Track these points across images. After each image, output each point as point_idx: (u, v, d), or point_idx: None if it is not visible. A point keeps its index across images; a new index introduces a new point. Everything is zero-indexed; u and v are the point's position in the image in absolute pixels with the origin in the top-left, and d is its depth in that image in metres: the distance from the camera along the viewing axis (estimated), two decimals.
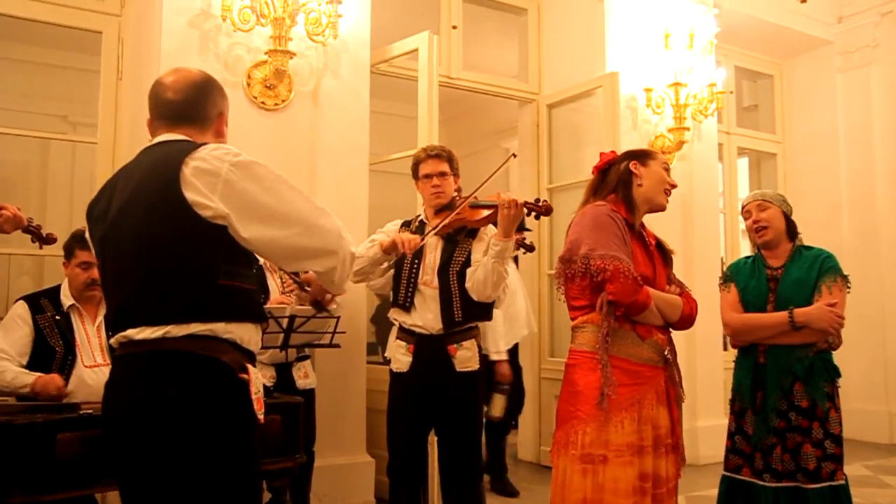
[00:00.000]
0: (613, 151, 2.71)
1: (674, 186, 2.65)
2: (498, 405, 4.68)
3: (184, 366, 1.77)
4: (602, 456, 2.31)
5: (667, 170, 2.66)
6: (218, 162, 1.81)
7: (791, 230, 3.15)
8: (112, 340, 1.88)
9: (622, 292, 2.35)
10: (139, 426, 1.76)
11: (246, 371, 1.84)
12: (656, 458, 2.40)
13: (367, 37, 4.71)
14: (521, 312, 4.88)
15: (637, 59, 5.82)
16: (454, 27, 5.71)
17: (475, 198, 3.31)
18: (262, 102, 4.31)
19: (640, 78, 5.78)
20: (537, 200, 3.22)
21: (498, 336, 4.64)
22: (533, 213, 3.21)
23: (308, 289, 2.14)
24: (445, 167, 3.41)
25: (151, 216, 1.82)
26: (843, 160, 7.33)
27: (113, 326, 1.87)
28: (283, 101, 4.37)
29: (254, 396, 1.84)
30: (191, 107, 2.00)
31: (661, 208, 2.63)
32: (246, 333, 1.87)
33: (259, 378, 1.90)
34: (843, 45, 7.35)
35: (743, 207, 3.24)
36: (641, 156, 2.64)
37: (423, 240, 3.25)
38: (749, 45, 7.33)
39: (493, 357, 4.61)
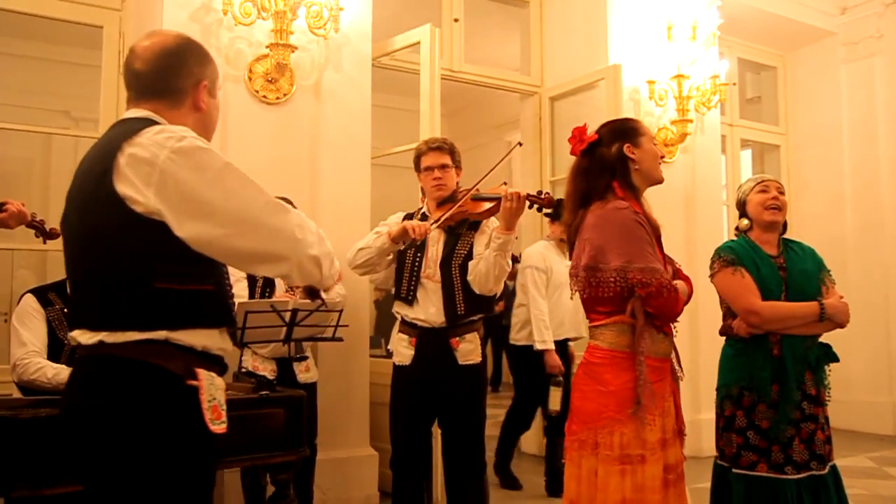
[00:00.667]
0: (584, 126, 2.52)
1: (663, 157, 2.55)
2: (554, 398, 4.60)
3: (117, 372, 1.62)
4: (640, 456, 2.29)
5: (653, 139, 2.56)
6: (157, 148, 1.59)
7: (784, 225, 3.15)
8: (69, 336, 1.77)
9: (665, 307, 2.32)
10: (73, 433, 1.66)
11: (196, 377, 1.65)
12: (673, 446, 2.41)
13: (368, 30, 4.71)
14: (567, 312, 4.80)
15: (639, 51, 5.80)
16: (456, 20, 5.70)
17: (477, 190, 3.30)
18: (264, 96, 4.31)
19: (643, 70, 5.76)
20: (539, 193, 3.21)
21: (542, 326, 4.62)
22: (535, 206, 3.20)
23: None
24: (447, 159, 3.40)
25: (86, 210, 1.67)
26: (847, 152, 7.31)
27: (69, 322, 1.78)
28: (285, 94, 4.37)
29: (206, 404, 1.65)
30: (159, 78, 1.77)
31: (660, 181, 2.54)
32: (200, 339, 1.69)
33: (216, 384, 1.71)
34: (847, 35, 7.32)
35: (762, 181, 3.11)
36: (631, 134, 2.49)
37: (432, 226, 3.23)
38: (752, 36, 7.30)
39: (538, 347, 4.61)
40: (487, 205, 3.25)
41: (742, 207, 3.17)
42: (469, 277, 3.27)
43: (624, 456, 2.29)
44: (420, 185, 3.61)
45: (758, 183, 3.13)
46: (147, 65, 1.77)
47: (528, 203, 3.17)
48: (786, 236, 3.16)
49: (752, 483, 2.91)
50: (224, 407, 1.72)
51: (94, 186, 1.63)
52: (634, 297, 2.32)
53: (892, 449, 6.21)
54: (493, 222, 3.34)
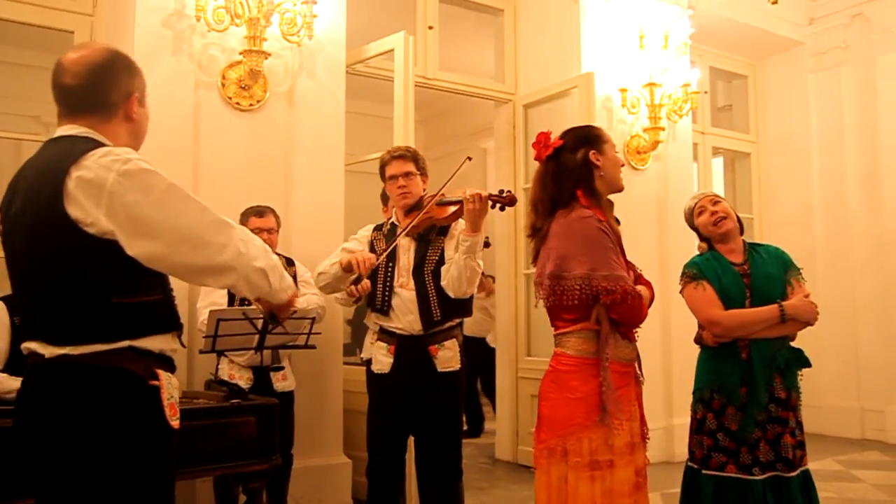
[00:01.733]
0: (548, 132, 2.54)
1: (623, 165, 2.59)
2: None
3: (83, 378, 1.71)
4: (609, 461, 2.31)
5: (615, 147, 2.60)
6: (104, 171, 1.66)
7: (740, 224, 3.21)
8: (22, 347, 1.82)
9: (630, 314, 2.34)
10: (34, 441, 1.72)
11: (156, 377, 1.78)
12: (640, 450, 2.43)
13: (342, 37, 4.71)
14: None
15: (612, 59, 5.86)
16: (430, 27, 5.71)
17: (442, 195, 3.31)
18: (237, 103, 4.29)
19: (616, 78, 5.82)
20: (501, 191, 3.21)
21: None
22: (498, 205, 3.21)
23: (257, 301, 2.00)
24: (411, 167, 3.40)
25: (38, 231, 1.73)
26: (815, 160, 7.42)
27: (22, 332, 1.81)
28: (259, 101, 4.35)
29: (166, 402, 1.78)
30: (90, 94, 1.81)
31: (621, 189, 2.56)
32: (158, 344, 1.81)
33: (173, 383, 1.84)
34: (815, 46, 7.45)
35: (693, 208, 3.23)
36: (596, 141, 2.51)
37: (378, 259, 3.24)
38: (723, 45, 7.40)
39: None
40: (452, 208, 3.26)
41: (696, 231, 3.28)
42: (443, 283, 3.27)
43: (593, 462, 2.30)
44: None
45: (693, 206, 3.24)
46: (78, 79, 1.80)
47: (490, 202, 3.18)
48: (752, 241, 3.23)
49: (722, 484, 2.97)
50: (178, 404, 1.84)
51: (45, 210, 1.69)
52: (599, 304, 2.34)
53: (860, 452, 6.30)
54: (461, 225, 3.34)
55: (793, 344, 3.09)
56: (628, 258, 2.57)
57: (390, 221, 3.49)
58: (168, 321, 1.87)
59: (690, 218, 3.27)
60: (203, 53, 4.23)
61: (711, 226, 3.16)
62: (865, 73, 7.09)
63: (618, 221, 2.58)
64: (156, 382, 1.77)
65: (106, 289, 1.72)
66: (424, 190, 3.46)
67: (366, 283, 3.22)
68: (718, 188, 7.94)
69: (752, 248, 3.18)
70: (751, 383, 2.95)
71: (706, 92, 7.28)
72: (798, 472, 2.95)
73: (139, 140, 1.95)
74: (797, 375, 3.04)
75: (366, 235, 3.52)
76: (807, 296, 3.03)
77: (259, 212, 3.89)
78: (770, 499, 2.90)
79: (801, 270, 3.15)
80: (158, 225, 1.68)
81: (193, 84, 4.18)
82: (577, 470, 2.31)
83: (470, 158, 3.51)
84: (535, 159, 2.56)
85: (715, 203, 3.18)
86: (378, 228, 3.52)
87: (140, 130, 1.95)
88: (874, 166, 6.96)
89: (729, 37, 7.20)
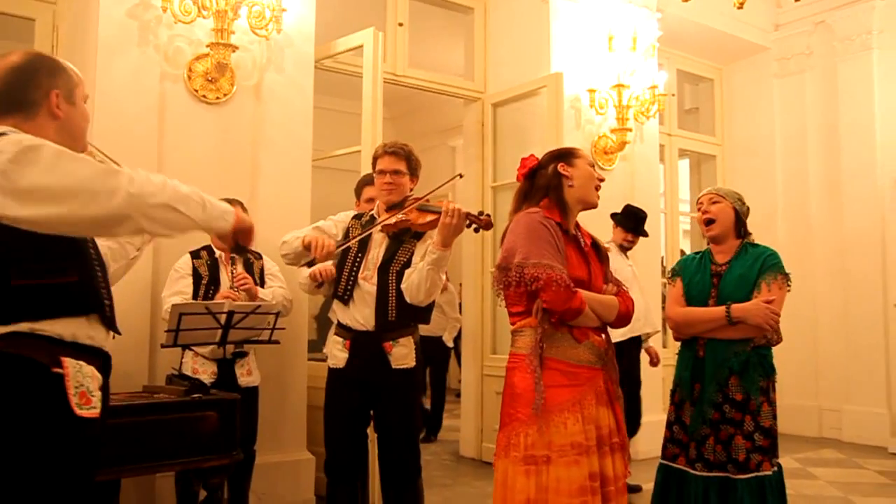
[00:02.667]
0: (533, 155, 2.69)
1: (602, 180, 2.66)
2: None
3: None
4: (545, 457, 2.33)
5: (593, 165, 2.67)
6: None
7: (739, 228, 3.20)
8: None
9: (555, 301, 2.38)
10: None
11: (60, 365, 1.78)
12: (602, 457, 2.42)
13: (311, 32, 4.68)
14: (639, 309, 4.83)
15: (581, 60, 5.90)
16: (400, 24, 5.71)
17: (427, 200, 3.31)
18: (204, 96, 4.25)
19: (584, 79, 5.86)
20: (480, 213, 3.18)
21: None
22: (473, 226, 3.17)
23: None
24: (402, 166, 3.37)
25: None
26: (779, 163, 7.56)
27: None
28: (226, 94, 4.31)
29: (72, 391, 1.79)
30: (9, 93, 1.89)
31: (594, 205, 2.64)
32: (66, 329, 1.82)
33: (84, 371, 1.83)
34: (780, 51, 7.58)
35: (699, 199, 3.30)
36: (567, 156, 2.63)
37: (338, 247, 3.23)
38: (690, 49, 7.49)
39: None
40: (430, 217, 3.23)
41: None
42: (403, 286, 3.26)
43: (528, 457, 2.35)
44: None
45: (697, 201, 3.31)
46: None
47: (467, 221, 3.14)
48: (755, 243, 3.23)
49: (668, 473, 3.08)
50: (95, 393, 1.84)
51: None
52: (538, 299, 2.41)
53: (816, 450, 6.44)
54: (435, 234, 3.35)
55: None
56: (611, 272, 2.72)
57: (370, 213, 3.47)
58: (79, 304, 1.87)
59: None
60: (169, 45, 4.18)
61: (702, 225, 3.23)
62: (828, 80, 7.23)
63: (605, 248, 2.75)
64: (59, 370, 1.77)
65: (5, 272, 1.76)
66: (411, 190, 3.45)
67: (330, 269, 3.21)
68: (684, 190, 8.05)
69: (744, 249, 3.17)
70: (702, 381, 3.02)
71: (673, 94, 7.37)
72: (750, 475, 2.94)
73: (76, 138, 1.99)
74: (760, 380, 3.01)
75: (344, 221, 3.48)
76: (770, 301, 3.00)
77: (227, 203, 3.84)
78: (713, 498, 2.94)
79: (788, 275, 3.12)
80: (50, 189, 1.68)
81: (159, 76, 4.13)
82: (515, 464, 2.37)
83: (461, 175, 3.57)
84: (517, 180, 2.71)
85: (713, 202, 3.19)
86: (358, 217, 3.50)
87: (72, 128, 1.99)
88: (836, 171, 7.10)
89: (696, 40, 7.29)
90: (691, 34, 7.10)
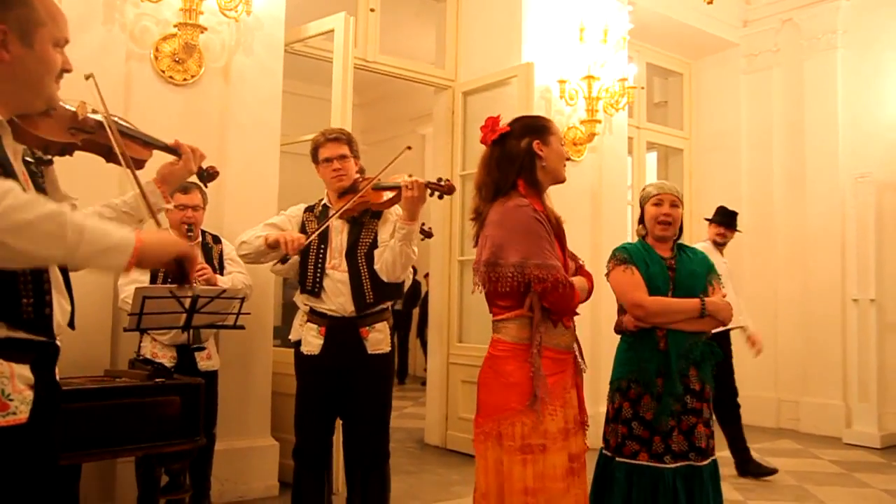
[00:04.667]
0: (499, 117, 2.55)
1: (569, 158, 2.66)
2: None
3: None
4: (541, 445, 2.35)
5: (562, 142, 2.63)
6: None
7: (680, 229, 3.31)
8: None
9: (561, 302, 2.38)
10: None
11: None
12: (575, 436, 2.47)
13: (281, 15, 4.63)
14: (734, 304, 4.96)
15: (552, 50, 5.91)
16: (372, 10, 5.66)
17: (379, 180, 3.31)
18: (171, 77, 4.19)
19: (555, 69, 5.88)
20: (439, 180, 3.21)
21: None
22: (436, 193, 3.21)
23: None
24: (345, 150, 3.38)
25: None
26: (744, 158, 7.67)
27: None
28: (193, 76, 4.26)
29: None
30: None
31: (563, 181, 2.60)
32: None
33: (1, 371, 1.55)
34: (748, 48, 7.67)
35: (659, 194, 3.24)
36: (541, 132, 2.54)
37: (308, 238, 3.23)
38: (661, 43, 7.55)
39: None
40: (389, 194, 3.26)
41: (642, 210, 3.31)
42: (376, 266, 3.27)
43: (525, 446, 2.35)
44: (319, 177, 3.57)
45: (655, 196, 3.26)
46: None
47: (428, 191, 3.18)
48: (681, 242, 3.31)
49: (634, 471, 3.06)
50: (14, 396, 1.54)
51: None
52: (532, 292, 2.38)
53: (774, 440, 6.57)
54: (395, 210, 3.35)
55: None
56: (569, 248, 2.63)
57: (322, 203, 3.47)
58: None
59: (645, 201, 3.29)
60: (136, 24, 4.10)
61: (657, 223, 3.21)
62: (794, 77, 7.34)
63: (561, 220, 2.61)
64: None
65: None
66: (357, 173, 3.45)
67: (301, 238, 3.19)
68: (651, 182, 8.12)
69: (681, 248, 3.27)
70: (667, 373, 3.05)
71: (643, 87, 7.41)
72: (710, 460, 3.06)
73: (28, 88, 1.67)
74: (711, 369, 3.13)
75: (297, 215, 3.48)
76: (723, 297, 3.15)
77: (184, 188, 3.78)
78: (680, 487, 2.99)
79: (720, 276, 3.28)
80: None
81: (125, 55, 4.06)
82: (511, 453, 2.35)
83: (410, 148, 3.51)
84: (481, 142, 2.58)
85: (673, 206, 3.22)
86: (309, 209, 3.49)
87: (22, 75, 1.64)
88: (799, 167, 7.22)
89: (666, 34, 7.35)
90: (662, 28, 7.15)
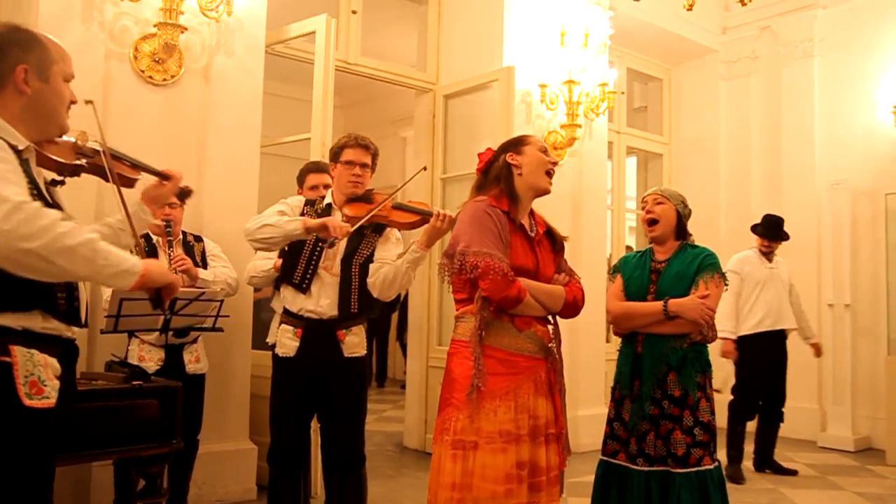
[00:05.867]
0: (490, 149, 2.71)
1: (555, 164, 2.66)
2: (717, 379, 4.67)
3: None
4: (473, 442, 2.36)
5: (544, 151, 2.66)
6: None
7: (680, 230, 3.30)
8: None
9: (493, 289, 2.40)
10: None
11: (8, 353, 1.75)
12: (535, 446, 2.44)
13: (263, 16, 4.61)
14: (772, 306, 5.47)
15: (533, 54, 5.93)
16: (354, 12, 5.66)
17: (393, 198, 3.32)
18: (150, 77, 4.16)
19: (536, 73, 5.89)
20: None
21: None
22: None
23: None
24: (368, 160, 3.37)
25: None
26: (723, 163, 7.75)
27: None
28: (173, 76, 4.23)
29: (21, 379, 1.75)
30: None
31: (546, 191, 2.64)
32: (16, 321, 1.78)
33: (35, 360, 1.79)
34: (727, 54, 7.75)
35: (644, 198, 3.40)
36: (515, 144, 2.65)
37: (353, 228, 3.18)
38: (641, 48, 7.60)
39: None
40: (412, 217, 3.28)
41: None
42: (370, 280, 3.26)
43: (457, 441, 2.38)
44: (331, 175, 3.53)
45: (643, 199, 3.40)
46: None
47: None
48: (690, 242, 3.31)
49: (609, 469, 3.14)
50: (48, 383, 1.81)
51: None
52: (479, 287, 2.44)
53: (751, 444, 6.60)
54: (394, 231, 3.38)
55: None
56: (566, 261, 2.75)
57: (326, 202, 3.43)
58: (22, 300, 1.80)
59: (641, 208, 3.42)
60: (115, 23, 4.07)
61: (644, 224, 3.31)
62: (772, 83, 7.43)
63: (562, 238, 2.77)
64: (6, 358, 1.74)
65: None
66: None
67: (348, 226, 3.16)
68: (631, 187, 8.18)
69: (683, 249, 3.26)
70: (641, 377, 3.08)
71: (623, 92, 7.46)
72: (690, 470, 2.99)
73: (44, 117, 1.94)
74: (697, 375, 3.08)
75: (297, 206, 3.40)
76: (705, 296, 3.07)
77: None
78: (654, 491, 3.01)
79: (725, 275, 3.22)
80: None
81: (104, 54, 4.02)
82: (445, 447, 2.41)
83: (425, 168, 3.58)
84: (477, 173, 2.72)
85: (658, 203, 3.27)
86: (310, 204, 3.44)
87: (42, 106, 1.92)
88: (777, 172, 7.31)
89: (647, 40, 7.40)
90: (642, 34, 7.20)
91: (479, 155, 2.70)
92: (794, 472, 5.49)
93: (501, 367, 2.44)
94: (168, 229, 3.73)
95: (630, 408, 3.10)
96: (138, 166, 2.41)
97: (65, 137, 2.14)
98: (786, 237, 5.68)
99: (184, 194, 2.63)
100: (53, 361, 1.84)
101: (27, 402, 1.75)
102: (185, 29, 4.10)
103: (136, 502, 3.16)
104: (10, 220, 1.62)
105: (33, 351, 1.79)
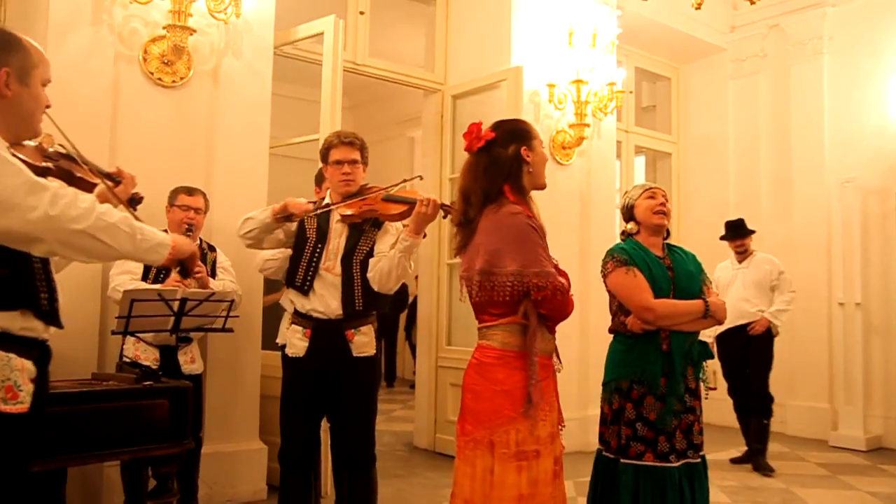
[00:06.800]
0: (479, 125, 2.55)
1: (559, 164, 2.68)
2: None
3: None
4: (535, 451, 2.36)
5: (543, 145, 2.64)
6: None
7: (667, 233, 3.35)
8: None
9: (560, 309, 2.40)
10: None
11: None
12: (558, 438, 2.49)
13: (271, 17, 4.63)
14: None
15: (541, 54, 5.93)
16: (361, 13, 5.67)
17: (387, 191, 3.32)
18: (159, 79, 4.17)
19: (544, 73, 5.89)
20: (452, 203, 3.22)
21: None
22: (449, 215, 3.21)
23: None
24: (357, 155, 3.38)
25: None
26: (732, 162, 7.72)
27: None
28: (182, 78, 4.24)
29: None
30: None
31: (544, 187, 2.60)
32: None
33: (12, 364, 1.81)
34: (735, 53, 7.72)
35: (650, 188, 3.29)
36: (527, 138, 2.54)
37: (316, 209, 3.25)
38: (649, 47, 7.59)
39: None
40: (401, 207, 3.28)
41: (629, 212, 3.31)
42: (369, 275, 3.27)
43: (520, 452, 2.35)
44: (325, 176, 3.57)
45: (646, 189, 3.30)
46: None
47: (442, 212, 3.20)
48: (668, 242, 3.33)
49: (641, 472, 3.05)
50: (23, 388, 1.82)
51: None
52: (528, 299, 2.38)
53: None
54: (395, 224, 3.38)
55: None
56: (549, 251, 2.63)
57: (324, 202, 3.45)
58: (9, 298, 1.83)
59: (634, 199, 3.28)
60: (124, 26, 4.09)
61: (653, 213, 3.20)
62: (781, 82, 7.40)
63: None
64: None
65: None
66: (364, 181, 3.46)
67: (308, 204, 3.24)
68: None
69: (671, 248, 3.30)
70: (670, 374, 3.06)
71: (631, 92, 7.45)
72: (702, 456, 3.13)
73: (24, 120, 1.96)
74: (703, 367, 3.21)
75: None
76: (717, 296, 3.22)
77: (189, 190, 3.88)
78: (685, 484, 3.04)
79: (708, 276, 3.35)
80: None
81: (113, 57, 4.04)
82: (504, 461, 2.34)
83: (421, 178, 3.58)
84: (466, 150, 2.56)
85: (666, 199, 3.28)
86: (312, 204, 3.47)
87: (19, 110, 1.93)
88: (786, 170, 7.27)
89: (655, 39, 7.38)
90: (650, 33, 7.18)
91: (475, 127, 2.53)
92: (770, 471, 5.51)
93: (544, 373, 2.44)
94: (189, 234, 3.75)
95: (656, 406, 3.06)
96: (96, 171, 2.40)
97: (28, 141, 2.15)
98: (749, 231, 5.92)
99: (136, 202, 2.56)
100: (30, 365, 1.86)
101: (2, 407, 1.76)
102: (194, 31, 4.12)
103: (146, 502, 3.18)
104: (56, 206, 1.70)
105: (11, 355, 1.80)
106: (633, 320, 3.13)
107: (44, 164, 2.16)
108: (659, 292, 3.09)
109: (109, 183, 2.41)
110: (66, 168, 2.25)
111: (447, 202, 3.27)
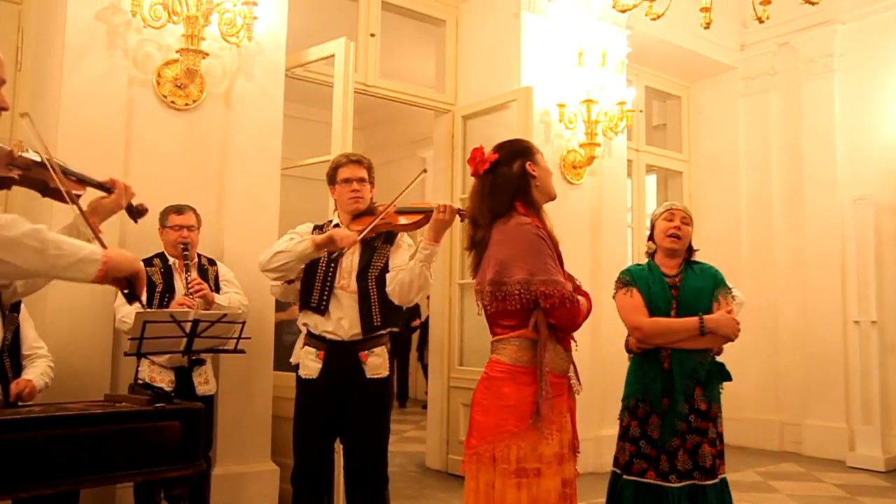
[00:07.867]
0: (481, 149, 2.58)
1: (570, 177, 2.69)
2: None
3: None
4: (536, 469, 2.33)
5: (544, 157, 2.66)
6: None
7: (689, 249, 3.34)
8: None
9: (568, 318, 2.40)
10: None
11: None
12: (570, 462, 2.46)
13: (282, 40, 4.67)
14: None
15: (551, 74, 5.95)
16: (372, 35, 5.71)
17: (395, 205, 3.33)
18: (172, 102, 4.21)
19: (554, 93, 5.91)
20: (466, 207, 3.25)
21: None
22: (466, 219, 3.23)
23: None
24: (364, 173, 3.41)
25: None
26: (743, 180, 7.70)
27: None
28: (195, 101, 4.28)
29: None
30: None
31: (555, 197, 2.63)
32: None
33: None
34: (745, 71, 7.73)
35: (670, 209, 3.34)
36: (530, 153, 2.57)
37: (360, 236, 3.22)
38: (659, 66, 7.60)
39: None
40: (415, 217, 3.29)
41: (651, 230, 3.39)
42: (388, 288, 3.27)
43: (520, 469, 2.33)
44: (332, 198, 3.59)
45: (666, 210, 3.34)
46: None
47: (459, 217, 3.19)
48: (694, 259, 3.33)
49: (640, 489, 3.08)
50: None
51: None
52: (538, 310, 2.38)
53: (778, 464, 6.52)
54: (406, 238, 3.38)
55: (718, 358, 3.22)
56: (566, 269, 2.61)
57: (332, 224, 3.46)
58: None
59: (656, 218, 3.37)
60: (138, 50, 4.14)
61: (667, 236, 3.27)
62: (791, 99, 7.39)
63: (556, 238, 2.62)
64: None
65: None
66: (372, 199, 3.47)
67: (354, 234, 3.20)
68: (651, 205, 8.14)
69: (689, 265, 3.29)
70: (671, 393, 3.05)
71: (641, 110, 7.46)
72: (716, 480, 3.06)
73: None
74: (718, 388, 3.15)
75: (307, 231, 3.45)
76: (730, 312, 3.14)
77: (178, 209, 3.87)
78: None
79: (732, 289, 3.27)
80: None
81: (127, 80, 4.08)
82: (505, 476, 2.33)
83: (425, 171, 3.57)
84: (472, 175, 2.60)
85: (684, 222, 3.29)
86: (318, 228, 3.48)
87: None
88: (798, 188, 7.25)
89: (664, 58, 7.39)
90: (660, 52, 7.20)
91: (477, 152, 2.56)
92: None
93: (554, 390, 2.41)
94: (185, 252, 3.77)
95: (658, 424, 3.06)
96: (84, 181, 2.29)
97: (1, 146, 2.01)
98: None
99: (136, 212, 2.46)
100: None
101: None
102: (207, 54, 4.16)
103: None
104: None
105: None
106: (632, 339, 3.23)
107: (8, 173, 2.00)
108: (656, 311, 3.14)
109: (100, 192, 2.31)
110: (37, 178, 2.09)
111: (463, 207, 3.26)
